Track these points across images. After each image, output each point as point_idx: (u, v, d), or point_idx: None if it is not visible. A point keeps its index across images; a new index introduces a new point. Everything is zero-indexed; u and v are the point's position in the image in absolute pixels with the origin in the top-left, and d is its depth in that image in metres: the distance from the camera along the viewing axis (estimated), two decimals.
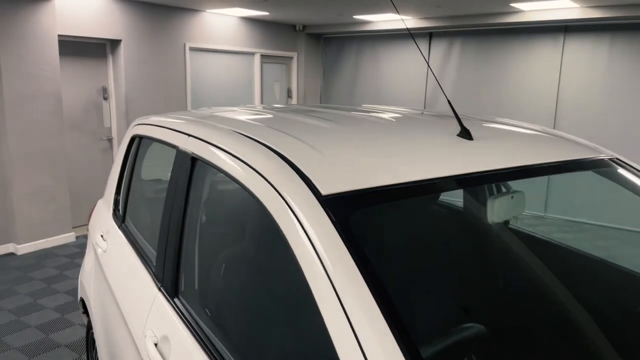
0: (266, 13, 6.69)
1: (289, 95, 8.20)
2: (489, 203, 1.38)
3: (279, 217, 1.09)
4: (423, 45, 7.45)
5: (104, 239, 2.20)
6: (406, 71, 7.66)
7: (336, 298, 0.92)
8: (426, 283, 1.33)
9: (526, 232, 1.89)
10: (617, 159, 1.67)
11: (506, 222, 1.67)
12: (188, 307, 1.44)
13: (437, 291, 1.33)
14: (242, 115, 1.76)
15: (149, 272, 1.69)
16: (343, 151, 1.28)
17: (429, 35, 7.38)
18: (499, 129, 1.70)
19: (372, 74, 8.02)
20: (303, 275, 0.99)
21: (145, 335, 1.50)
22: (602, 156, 1.64)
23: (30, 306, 3.88)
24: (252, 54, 7.41)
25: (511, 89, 6.79)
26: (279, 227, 1.08)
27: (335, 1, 5.60)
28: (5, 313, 3.76)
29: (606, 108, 6.19)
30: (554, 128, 6.48)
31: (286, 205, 1.09)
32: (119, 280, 1.89)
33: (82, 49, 5.62)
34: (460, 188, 1.27)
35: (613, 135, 6.18)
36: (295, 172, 1.15)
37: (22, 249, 5.00)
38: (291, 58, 8.13)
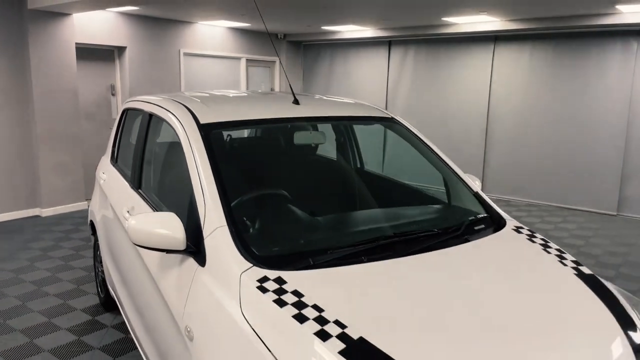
0: (249, 24, 7.98)
1: None
2: (296, 133, 2.62)
3: (180, 134, 2.34)
4: (384, 51, 8.70)
5: (104, 174, 3.49)
6: (371, 74, 8.91)
7: (195, 167, 2.14)
8: (250, 166, 2.59)
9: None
10: (395, 118, 2.90)
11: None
12: (145, 191, 2.70)
13: (257, 170, 2.58)
14: (191, 94, 3.00)
15: (127, 181, 2.96)
16: (220, 106, 2.54)
17: (389, 43, 8.62)
18: (325, 101, 2.94)
19: (343, 76, 9.28)
20: (183, 156, 2.22)
21: (123, 210, 2.76)
22: (386, 115, 2.87)
23: (53, 247, 5.17)
24: (239, 58, 8.70)
25: (453, 88, 8.00)
26: (179, 138, 2.33)
27: (302, 15, 6.87)
28: (35, 251, 5.05)
29: (528, 101, 7.38)
30: (487, 119, 7.70)
31: (183, 128, 2.33)
32: (112, 193, 3.17)
33: (94, 54, 6.96)
34: (275, 124, 2.51)
35: (533, 122, 7.36)
36: (190, 114, 2.40)
37: (45, 212, 6.32)
38: (274, 62, 9.41)
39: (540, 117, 7.30)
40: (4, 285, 4.18)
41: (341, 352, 1.44)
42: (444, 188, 2.71)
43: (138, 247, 2.43)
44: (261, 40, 9.03)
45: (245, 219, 2.12)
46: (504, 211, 6.82)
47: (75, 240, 5.37)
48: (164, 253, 2.15)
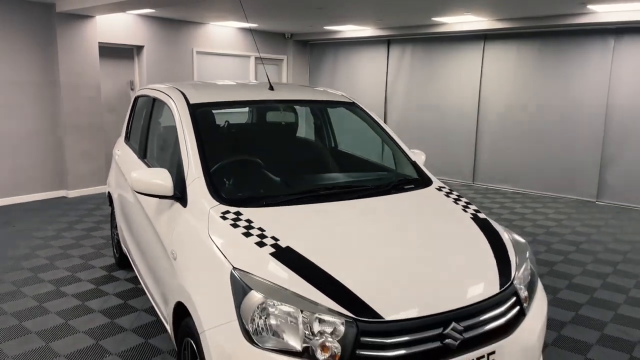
0: (256, 25, 8.63)
1: None
2: (268, 113, 3.23)
3: (174, 112, 2.97)
4: (383, 50, 9.26)
5: (118, 151, 4.16)
6: (371, 70, 9.48)
7: (184, 135, 2.76)
8: (228, 136, 3.21)
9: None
10: (355, 102, 3.48)
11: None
12: (148, 159, 3.35)
13: (232, 138, 3.20)
14: (187, 82, 3.62)
15: (135, 153, 3.62)
16: (208, 91, 3.17)
17: (388, 42, 9.17)
18: (297, 88, 3.53)
19: (346, 73, 9.87)
20: (176, 129, 2.86)
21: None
22: (348, 100, 3.46)
23: (77, 221, 5.89)
24: (248, 56, 9.36)
25: (447, 83, 8.52)
26: (173, 115, 2.96)
27: (302, 15, 7.47)
28: (62, 223, 5.78)
29: (515, 96, 7.86)
30: (477, 112, 8.20)
31: (176, 107, 2.97)
32: (124, 164, 3.83)
33: (115, 52, 7.69)
34: (251, 105, 3.12)
35: (520, 115, 7.84)
36: (183, 96, 3.03)
37: (71, 193, 7.07)
38: (282, 60, 10.05)
39: (526, 111, 7.77)
40: (35, 249, 4.89)
41: (271, 254, 2.05)
42: (393, 158, 3.29)
43: (141, 202, 3.08)
44: (270, 39, 9.68)
45: (223, 174, 2.74)
46: (491, 199, 7.34)
47: (96, 217, 6.08)
48: (160, 203, 2.79)
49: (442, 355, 1.94)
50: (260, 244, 2.10)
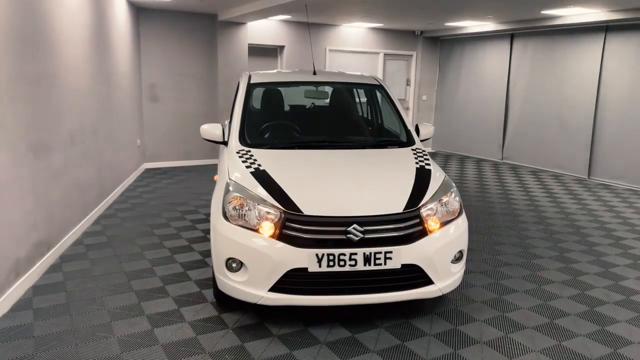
0: (382, 24, 9.65)
1: (408, 84, 10.97)
2: (305, 90, 4.34)
3: (240, 88, 4.30)
4: (506, 44, 9.46)
5: (226, 121, 5.71)
6: (494, 64, 9.74)
7: (238, 103, 4.07)
8: (276, 109, 4.41)
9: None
10: (383, 85, 4.38)
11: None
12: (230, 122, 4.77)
13: (278, 113, 4.39)
14: (268, 71, 4.93)
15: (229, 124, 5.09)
16: (268, 76, 4.44)
17: (511, 36, 9.35)
18: (336, 73, 4.57)
19: (471, 66, 10.26)
20: (237, 93, 4.18)
21: None
22: (376, 83, 4.39)
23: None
24: (377, 53, 10.43)
25: (566, 76, 8.43)
26: (239, 86, 4.29)
27: (415, 14, 8.29)
28: (206, 179, 7.68)
29: (636, 88, 7.50)
30: (596, 104, 8.02)
31: (242, 84, 4.30)
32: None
33: (261, 51, 9.49)
34: (297, 86, 4.29)
35: (639, 106, 7.47)
36: (248, 77, 4.35)
37: None
38: (411, 56, 10.88)
39: None
40: (185, 192, 6.79)
41: (251, 172, 3.22)
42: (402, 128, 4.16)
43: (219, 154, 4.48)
44: (399, 36, 10.60)
45: (263, 130, 3.98)
46: (597, 196, 7.20)
47: None
48: (220, 148, 4.15)
49: (346, 245, 2.88)
50: (248, 167, 3.29)
